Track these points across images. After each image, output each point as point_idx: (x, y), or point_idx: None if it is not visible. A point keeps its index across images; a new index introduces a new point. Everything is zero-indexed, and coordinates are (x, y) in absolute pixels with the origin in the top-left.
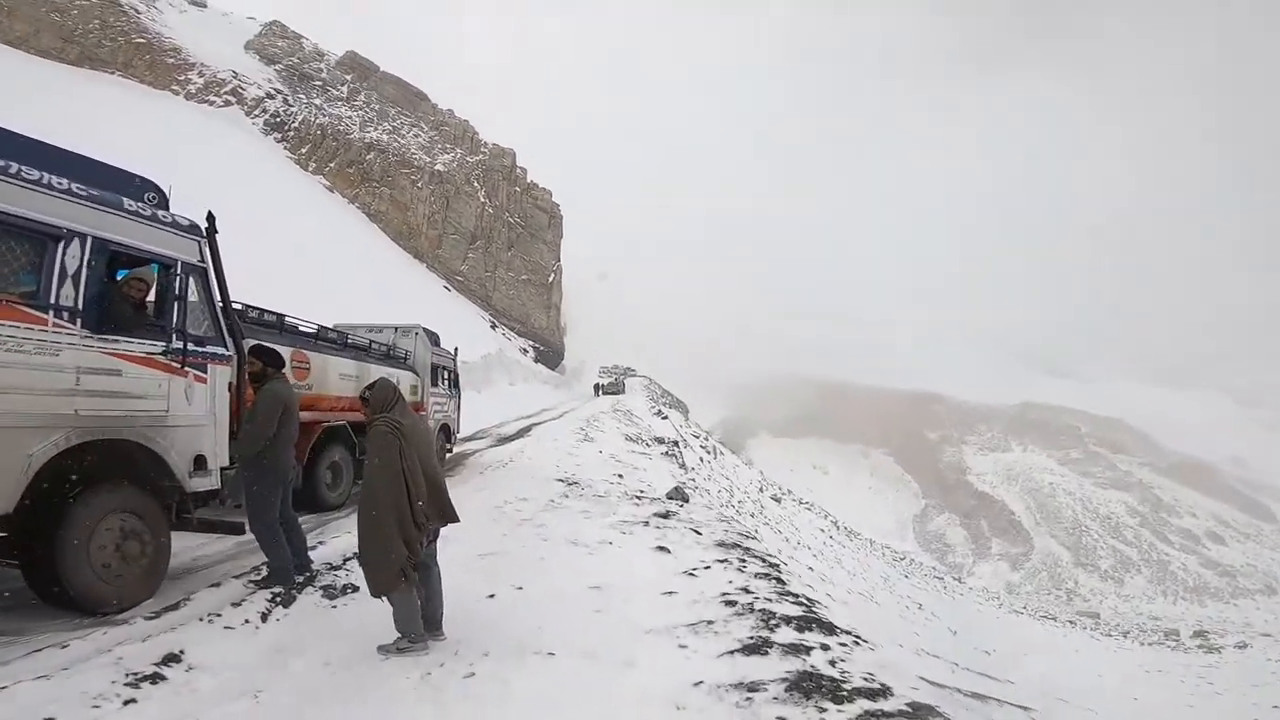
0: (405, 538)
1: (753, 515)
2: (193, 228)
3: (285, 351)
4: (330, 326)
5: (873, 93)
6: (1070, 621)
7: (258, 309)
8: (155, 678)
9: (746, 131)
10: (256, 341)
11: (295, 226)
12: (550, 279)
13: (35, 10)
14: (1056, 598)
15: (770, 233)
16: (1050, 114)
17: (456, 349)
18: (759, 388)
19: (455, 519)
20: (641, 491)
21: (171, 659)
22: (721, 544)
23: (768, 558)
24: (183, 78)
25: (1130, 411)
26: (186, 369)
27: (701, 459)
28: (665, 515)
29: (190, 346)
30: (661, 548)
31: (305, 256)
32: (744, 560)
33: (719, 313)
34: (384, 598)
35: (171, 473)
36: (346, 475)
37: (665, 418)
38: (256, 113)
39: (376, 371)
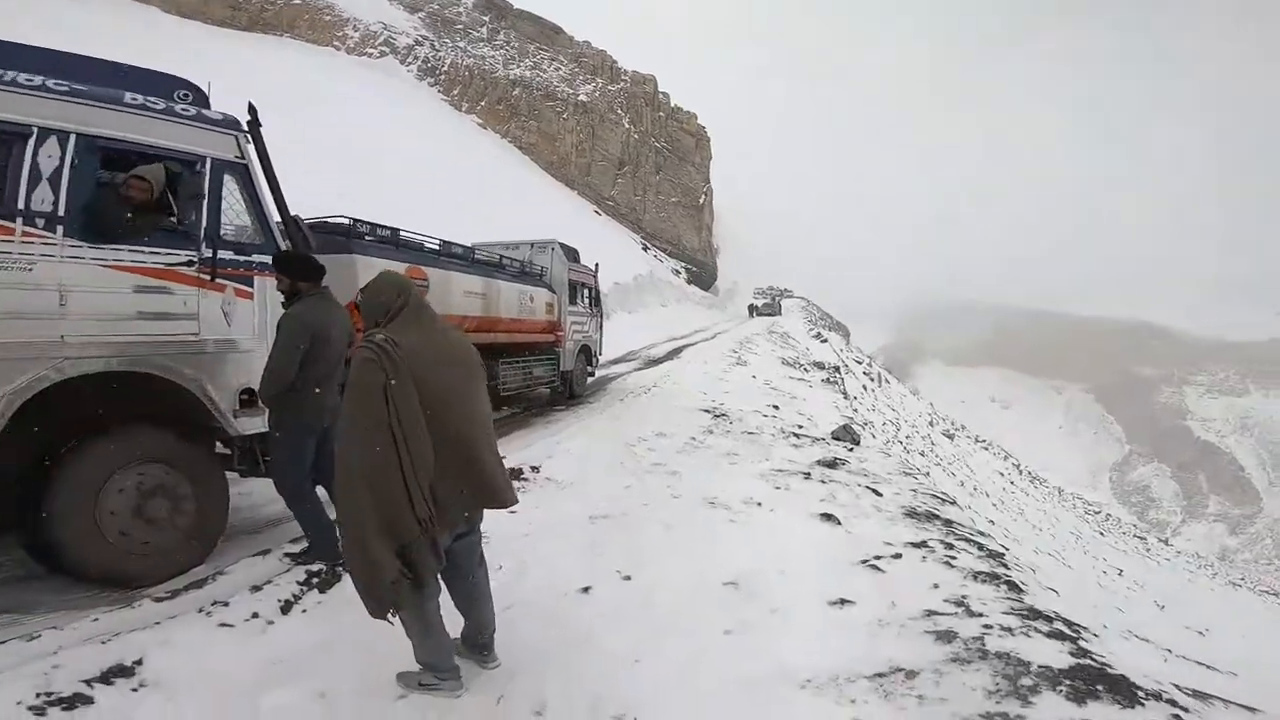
0: (398, 537)
1: (922, 454)
2: (227, 121)
3: (397, 267)
4: (455, 242)
5: None
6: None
7: (369, 223)
8: (74, 701)
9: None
10: (286, 248)
11: (454, 164)
12: (700, 201)
13: None
14: (1277, 570)
15: (955, 141)
16: None
17: (597, 265)
18: (932, 312)
19: (505, 501)
20: (800, 428)
21: (119, 671)
22: (912, 513)
23: (983, 540)
24: (340, 34)
25: None
26: (222, 282)
27: (865, 387)
28: (832, 464)
29: (227, 255)
30: (828, 515)
31: (464, 190)
32: (949, 544)
33: (889, 230)
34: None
35: (209, 411)
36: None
37: (824, 341)
38: (409, 60)
39: (507, 289)
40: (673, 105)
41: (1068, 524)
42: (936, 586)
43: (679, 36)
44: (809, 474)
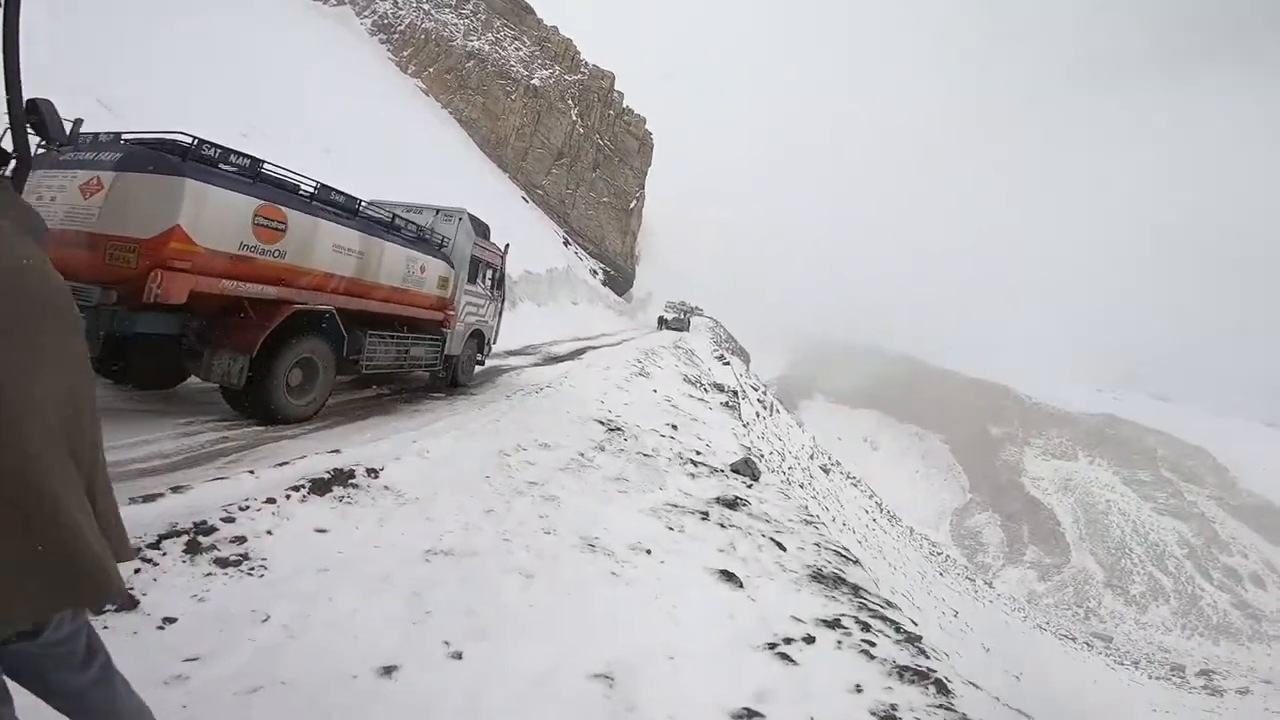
0: None
1: (801, 485)
2: None
3: (247, 204)
4: (338, 189)
5: (1021, 78)
6: (1086, 643)
7: (220, 147)
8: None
9: (885, 107)
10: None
11: (382, 123)
12: (631, 205)
13: None
14: (1075, 614)
15: (877, 198)
16: (1227, 129)
17: (507, 246)
18: (824, 350)
19: (101, 592)
20: (699, 454)
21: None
22: (818, 575)
23: (896, 616)
24: None
25: (1220, 446)
26: None
27: (757, 414)
28: (732, 503)
29: None
30: (728, 574)
31: (387, 150)
32: (865, 623)
33: (797, 268)
34: None
35: None
36: (323, 378)
37: (727, 364)
38: (366, 13)
39: (393, 253)
40: (624, 105)
41: (915, 563)
42: (859, 690)
43: (643, 45)
44: (707, 514)
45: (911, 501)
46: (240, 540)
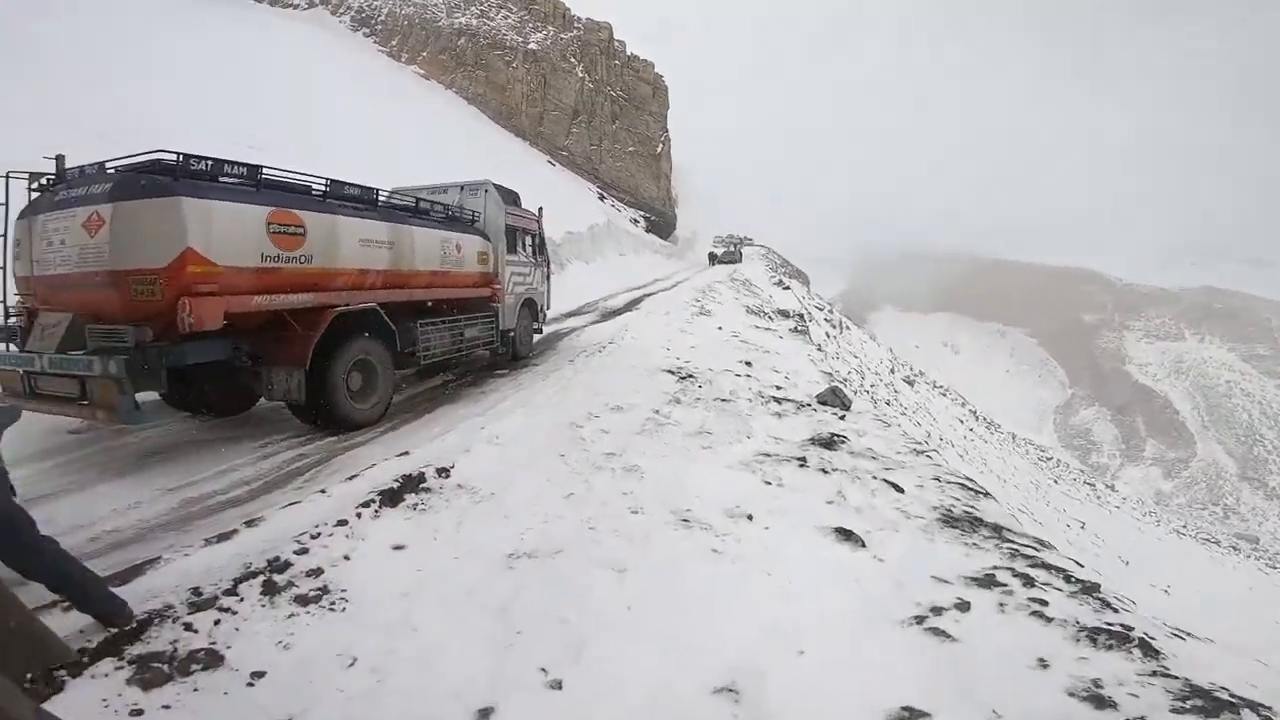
0: None
1: (887, 402)
2: None
3: (258, 213)
4: (351, 182)
5: None
6: (1233, 546)
7: (213, 159)
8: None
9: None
10: None
11: (397, 116)
12: (659, 149)
13: None
14: (1212, 514)
15: (908, 93)
16: None
17: (541, 209)
18: (885, 260)
19: None
20: (779, 389)
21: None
22: (949, 518)
23: (1059, 563)
24: None
25: None
26: None
27: (828, 334)
28: (829, 442)
29: None
30: (845, 531)
31: (410, 142)
32: (1025, 575)
33: (843, 179)
34: None
35: None
36: (383, 377)
37: (787, 288)
38: (341, 11)
39: (425, 236)
40: (629, 54)
41: (1025, 473)
42: (1044, 665)
43: None
44: (804, 459)
45: (1005, 404)
46: (317, 573)
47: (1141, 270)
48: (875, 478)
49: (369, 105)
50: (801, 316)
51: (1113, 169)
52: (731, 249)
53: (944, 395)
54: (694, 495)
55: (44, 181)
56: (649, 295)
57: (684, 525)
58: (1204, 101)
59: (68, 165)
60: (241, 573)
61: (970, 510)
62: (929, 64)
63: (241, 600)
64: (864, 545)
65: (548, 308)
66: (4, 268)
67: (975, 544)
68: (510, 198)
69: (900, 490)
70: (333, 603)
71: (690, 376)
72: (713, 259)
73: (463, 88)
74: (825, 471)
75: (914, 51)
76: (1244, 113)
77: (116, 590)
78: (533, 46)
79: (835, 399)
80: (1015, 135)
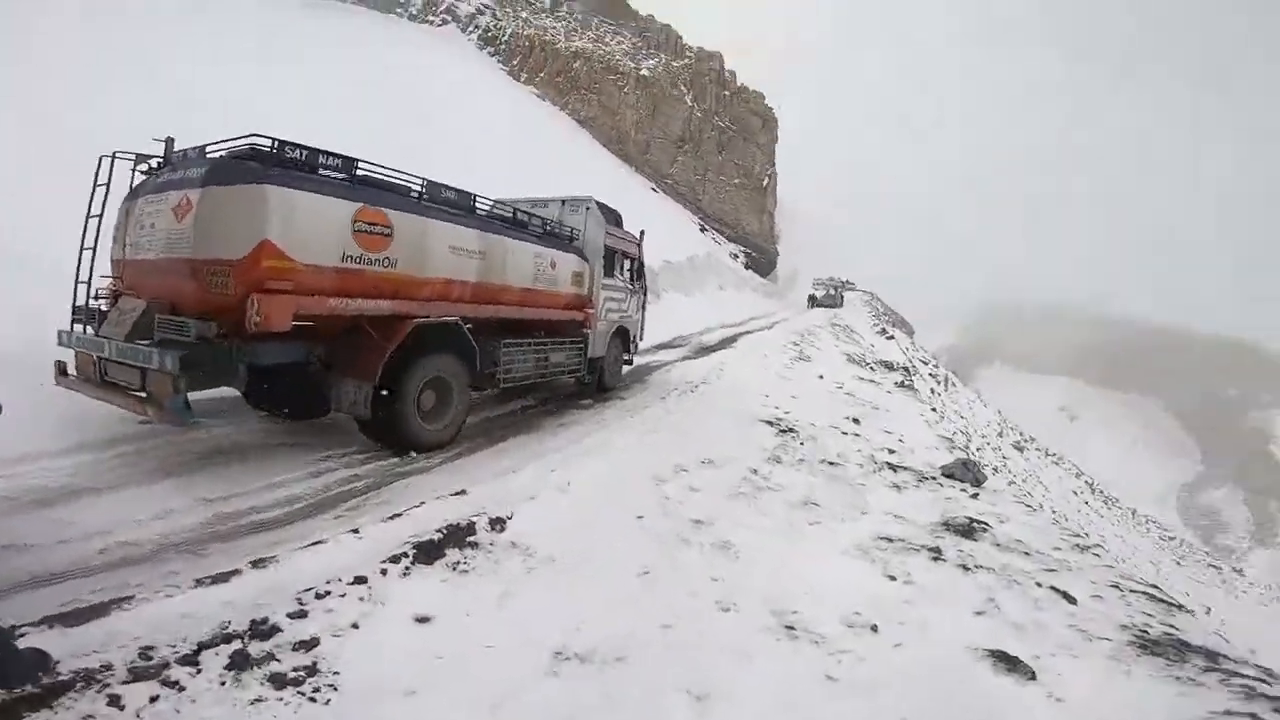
0: None
1: (995, 469)
2: None
3: (345, 209)
4: (449, 185)
5: None
6: None
7: (308, 148)
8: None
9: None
10: None
11: (515, 130)
12: (764, 183)
13: None
14: None
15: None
16: None
17: (642, 232)
18: (1000, 315)
19: None
20: (893, 454)
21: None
22: (1144, 640)
23: None
24: (404, 0)
25: None
26: None
27: (932, 390)
28: (966, 530)
29: None
30: (1004, 656)
31: (524, 157)
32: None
33: (968, 222)
34: None
35: None
36: (458, 398)
37: (890, 338)
38: (470, 29)
39: (519, 250)
40: (739, 84)
41: (1145, 552)
42: None
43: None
44: (937, 550)
45: (1124, 477)
46: (309, 645)
47: None
48: (1035, 581)
49: (492, 117)
50: (906, 369)
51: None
52: (832, 292)
53: (1057, 464)
54: (801, 590)
55: (152, 164)
56: (745, 334)
57: (789, 635)
58: None
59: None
60: (213, 634)
61: (1170, 630)
62: (1084, 94)
63: (198, 673)
64: (1034, 678)
65: (640, 338)
66: (91, 248)
67: (1190, 678)
68: (612, 218)
69: (1072, 600)
70: (316, 689)
71: (791, 430)
72: (812, 301)
73: (575, 110)
74: (967, 569)
75: (1057, 73)
76: None
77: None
78: (644, 73)
79: (965, 473)
80: (1178, 187)
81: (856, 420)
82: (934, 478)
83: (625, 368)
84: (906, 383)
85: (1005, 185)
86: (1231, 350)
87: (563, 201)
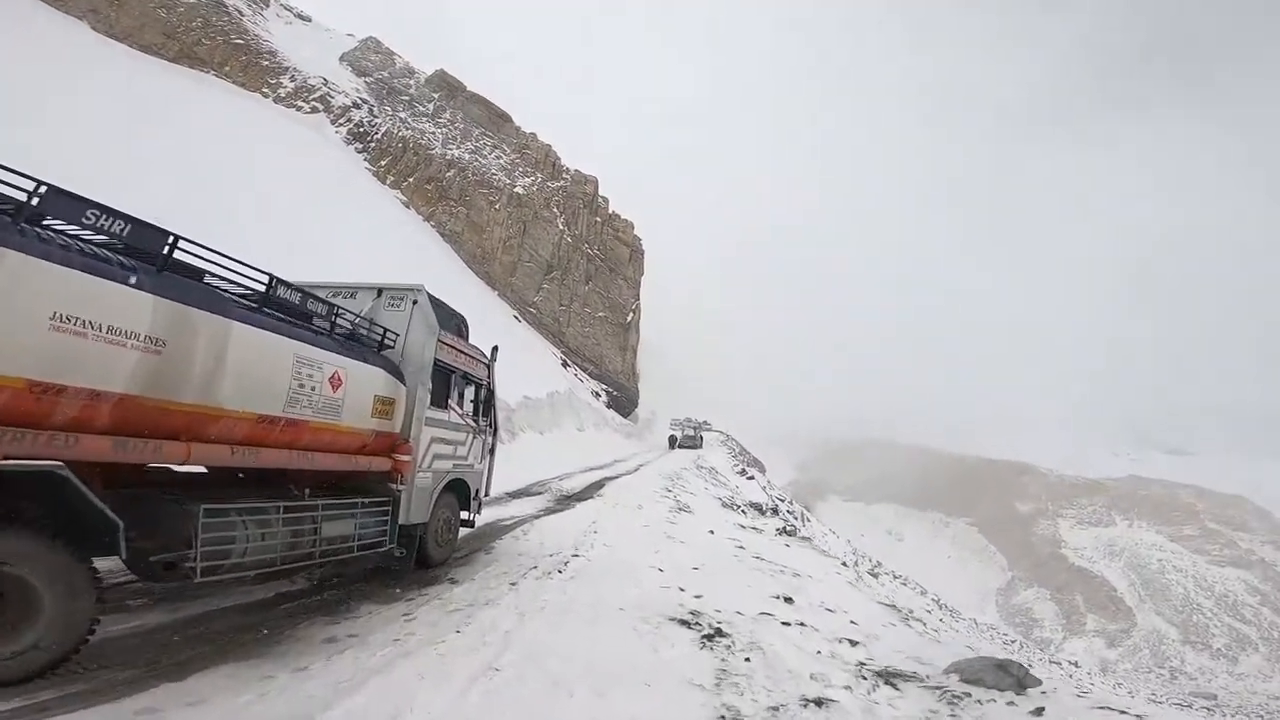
0: None
1: None
2: None
3: None
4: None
5: (988, 134)
6: (1186, 705)
7: None
8: None
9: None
10: None
11: (365, 233)
12: (629, 318)
13: (144, 4)
14: (1159, 677)
15: (852, 285)
16: (1188, 162)
17: (495, 350)
18: (830, 449)
19: None
20: (856, 644)
21: None
22: None
23: None
24: (274, 81)
25: (1254, 489)
26: None
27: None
28: None
29: None
30: None
31: (372, 263)
32: None
33: (793, 370)
34: None
35: None
36: (50, 609)
37: (751, 478)
38: (341, 121)
39: (258, 345)
40: (611, 211)
41: (994, 652)
42: None
43: (627, 145)
44: None
45: (951, 588)
46: None
47: (1070, 459)
48: None
49: (338, 213)
50: (774, 510)
51: (1038, 359)
52: (691, 432)
53: (904, 585)
54: None
55: None
56: (611, 479)
57: None
58: (1120, 295)
59: None
60: None
61: None
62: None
63: None
64: None
65: (486, 493)
66: None
67: None
68: (451, 322)
69: None
70: None
71: (719, 633)
72: (673, 442)
73: (441, 223)
74: None
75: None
76: (1157, 304)
77: None
78: (519, 190)
79: (1002, 677)
80: (946, 327)
81: (788, 599)
82: (945, 689)
83: (464, 530)
84: (789, 529)
85: (828, 326)
86: (1015, 470)
87: (379, 291)
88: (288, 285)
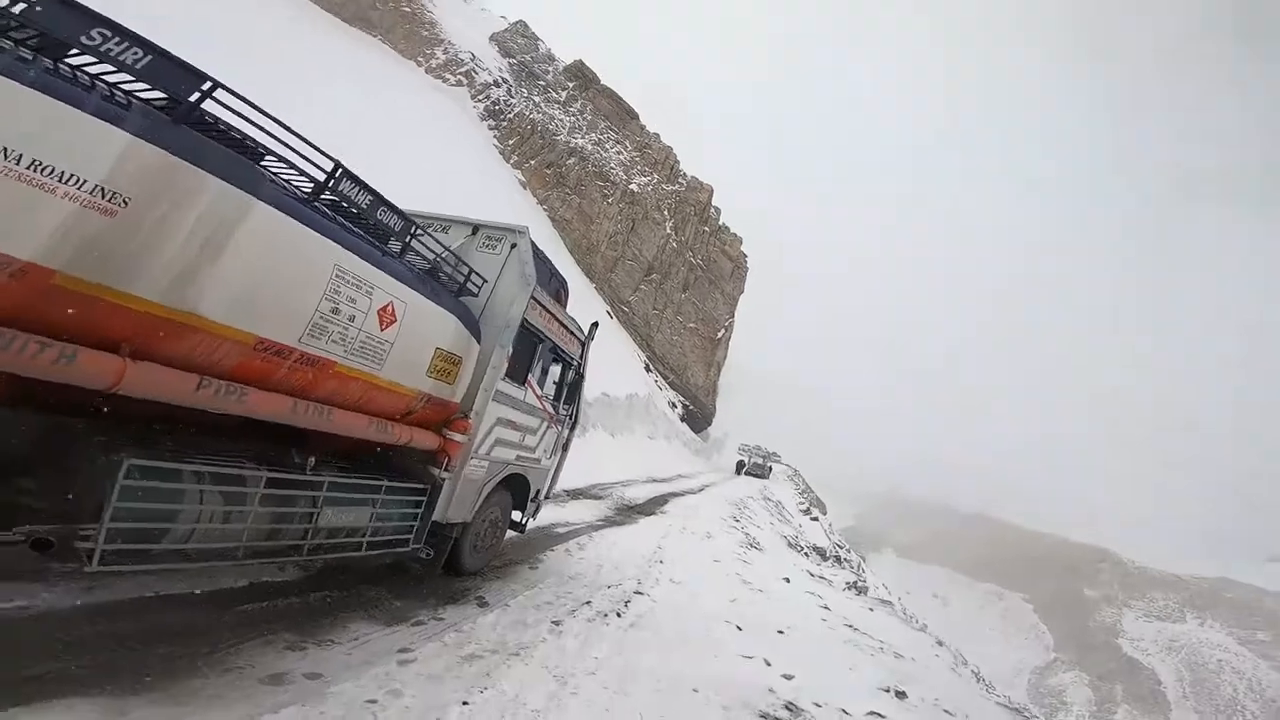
0: None
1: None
2: None
3: None
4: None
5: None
6: None
7: None
8: None
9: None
10: None
11: (479, 204)
12: (720, 334)
13: None
14: None
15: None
16: None
17: (595, 326)
18: (891, 504)
19: None
20: None
21: None
22: None
23: None
24: (429, 52)
25: None
26: None
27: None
28: None
29: None
30: None
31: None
32: None
33: (862, 418)
34: None
35: None
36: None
37: (815, 519)
38: (480, 97)
39: (280, 233)
40: (720, 223)
41: None
42: None
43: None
44: None
45: (984, 657)
46: None
47: (1158, 550)
48: None
49: (461, 181)
50: (839, 559)
51: (1134, 448)
52: (761, 461)
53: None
54: None
55: None
56: (676, 495)
57: None
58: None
59: None
60: None
61: None
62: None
63: None
64: None
65: (548, 495)
66: None
67: None
68: (550, 281)
69: None
70: None
71: None
72: (740, 468)
73: (553, 208)
74: None
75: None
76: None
77: None
78: (633, 187)
79: None
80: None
81: (900, 693)
82: None
83: (511, 532)
84: (860, 584)
85: (918, 382)
86: (1088, 553)
87: (474, 228)
88: (357, 181)
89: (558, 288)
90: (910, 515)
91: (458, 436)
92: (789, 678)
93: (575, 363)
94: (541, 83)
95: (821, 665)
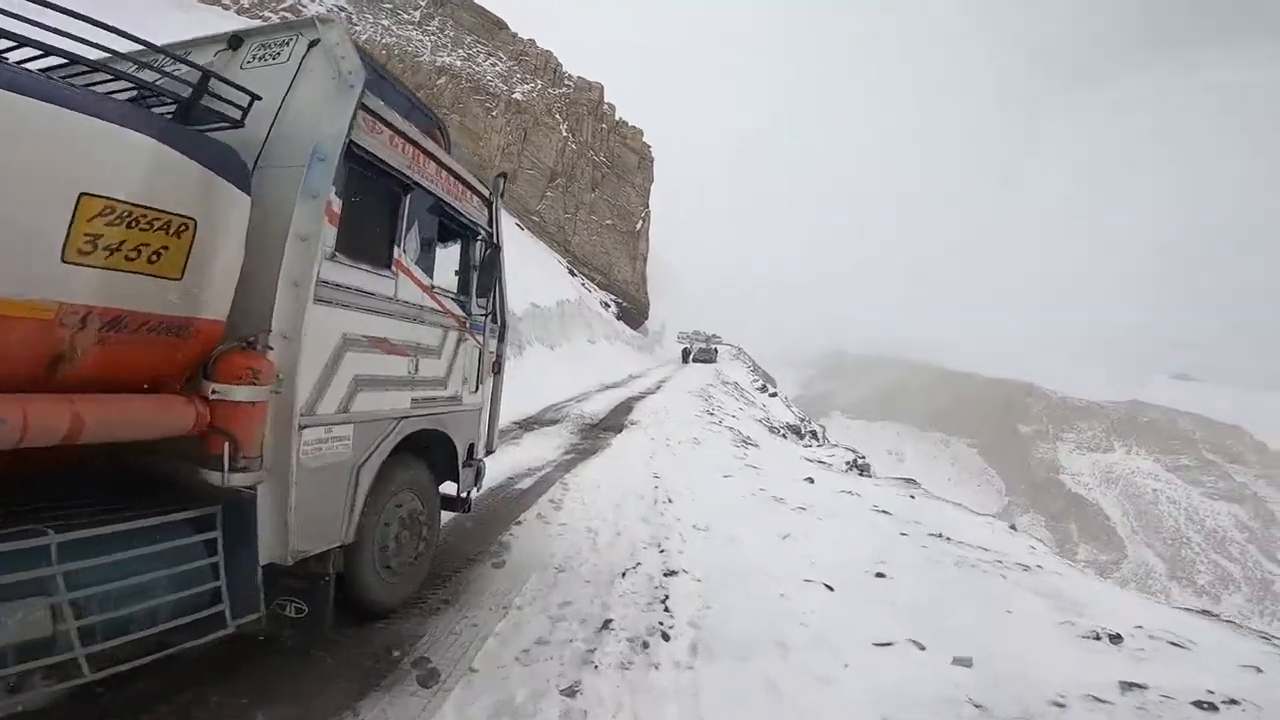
0: None
1: None
2: None
3: None
4: None
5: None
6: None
7: None
8: None
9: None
10: None
11: None
12: (638, 226)
13: None
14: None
15: (869, 202)
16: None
17: (503, 176)
18: (835, 365)
19: None
20: None
21: None
22: None
23: None
24: None
25: (1254, 421)
26: None
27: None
28: None
29: None
30: None
31: None
32: None
33: (799, 283)
34: None
35: None
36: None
37: (774, 395)
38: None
39: None
40: (617, 118)
41: None
42: None
43: (637, 49)
44: None
45: None
46: None
47: (1072, 379)
48: None
49: None
50: (814, 434)
51: (1055, 277)
52: (705, 344)
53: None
54: None
55: None
56: (637, 399)
57: None
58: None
59: None
60: None
61: None
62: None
63: None
64: None
65: (491, 445)
66: None
67: None
68: (412, 111)
69: None
70: None
71: None
72: (686, 356)
73: None
74: None
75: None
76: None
77: None
78: (517, 96)
79: None
80: (959, 244)
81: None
82: None
83: (446, 515)
84: (860, 463)
85: (844, 243)
86: (1013, 389)
87: (233, 40)
88: None
89: (432, 127)
90: (852, 373)
91: (242, 392)
92: (981, 708)
93: (483, 231)
94: (388, 5)
95: (991, 628)
